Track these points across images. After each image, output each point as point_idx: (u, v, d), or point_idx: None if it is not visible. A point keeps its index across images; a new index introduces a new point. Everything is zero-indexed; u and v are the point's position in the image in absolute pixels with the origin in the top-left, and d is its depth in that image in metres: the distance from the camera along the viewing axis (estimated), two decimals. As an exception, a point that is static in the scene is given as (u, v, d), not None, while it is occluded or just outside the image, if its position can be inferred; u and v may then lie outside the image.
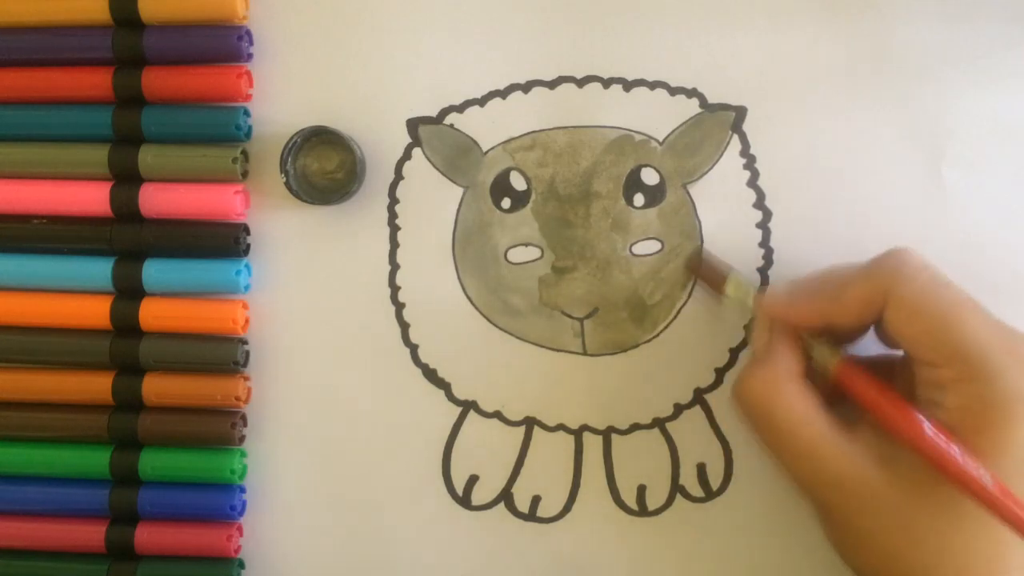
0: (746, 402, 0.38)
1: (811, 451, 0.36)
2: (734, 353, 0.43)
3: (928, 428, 0.34)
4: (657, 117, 0.43)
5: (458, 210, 0.43)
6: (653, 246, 0.43)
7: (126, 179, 0.43)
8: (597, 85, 0.43)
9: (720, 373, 0.43)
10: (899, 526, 0.34)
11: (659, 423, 0.43)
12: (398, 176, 0.43)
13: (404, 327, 0.44)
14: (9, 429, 0.43)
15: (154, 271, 0.43)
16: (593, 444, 0.43)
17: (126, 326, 0.43)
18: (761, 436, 0.38)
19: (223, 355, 0.43)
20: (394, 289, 0.44)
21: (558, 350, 0.43)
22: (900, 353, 0.39)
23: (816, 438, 0.36)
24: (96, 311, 0.43)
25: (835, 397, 0.38)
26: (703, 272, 0.42)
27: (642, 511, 0.43)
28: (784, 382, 0.37)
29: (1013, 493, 0.32)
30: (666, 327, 0.43)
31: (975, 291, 0.42)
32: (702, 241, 0.43)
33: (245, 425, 0.44)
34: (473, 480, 0.44)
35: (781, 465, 0.37)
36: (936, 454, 0.33)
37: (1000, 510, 0.32)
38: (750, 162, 0.43)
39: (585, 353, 0.43)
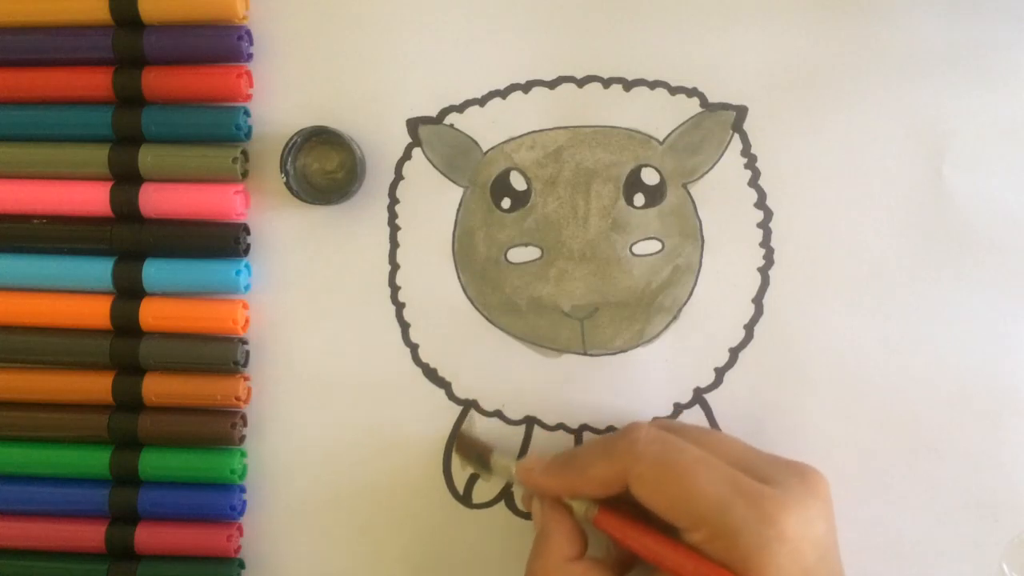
0: None
1: None
2: (734, 353, 0.43)
3: (686, 554, 0.36)
4: (657, 117, 0.43)
5: (458, 210, 0.43)
6: (653, 246, 0.43)
7: (126, 179, 0.43)
8: (597, 85, 0.43)
9: (720, 373, 0.43)
10: None
11: (659, 423, 0.43)
12: (398, 176, 0.43)
13: (404, 327, 0.44)
14: (9, 429, 0.43)
15: (154, 271, 0.43)
16: (593, 444, 0.43)
17: (126, 326, 0.43)
18: None
19: (223, 355, 0.43)
20: (394, 289, 0.44)
21: (558, 350, 0.43)
22: None
23: None
24: (96, 311, 0.43)
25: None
26: (469, 452, 0.43)
27: (642, 511, 0.43)
28: (563, 566, 0.38)
29: None
30: (666, 327, 0.43)
31: (975, 292, 0.42)
32: (703, 241, 0.43)
33: (245, 425, 0.44)
34: (473, 479, 0.44)
35: None
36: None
37: None
38: (751, 162, 0.43)
39: (585, 353, 0.43)
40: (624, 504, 0.38)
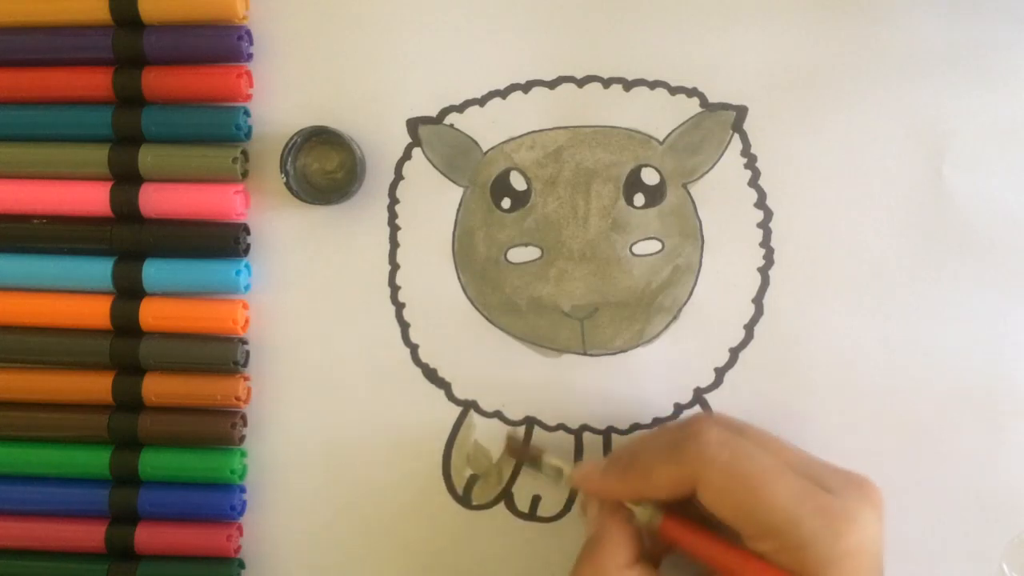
0: None
1: None
2: (734, 353, 0.43)
3: (758, 565, 0.35)
4: (657, 117, 0.43)
5: (458, 210, 0.43)
6: (653, 246, 0.43)
7: (126, 179, 0.43)
8: (597, 85, 0.43)
9: (720, 373, 0.43)
10: None
11: (659, 423, 0.43)
12: (398, 176, 0.43)
13: (404, 327, 0.44)
14: (9, 429, 0.43)
15: (154, 271, 0.43)
16: (593, 444, 0.43)
17: (126, 326, 0.43)
18: None
19: (223, 355, 0.43)
20: (394, 289, 0.44)
21: (558, 350, 0.43)
22: None
23: None
24: (96, 311, 0.43)
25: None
26: (521, 454, 0.42)
27: (642, 511, 0.43)
28: (615, 573, 0.37)
29: None
30: (666, 327, 0.43)
31: (975, 292, 0.42)
32: (703, 241, 0.43)
33: (245, 425, 0.44)
34: (473, 480, 0.44)
35: None
36: None
37: None
38: (751, 161, 0.43)
39: (585, 353, 0.43)
40: (682, 509, 0.37)
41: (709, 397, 0.43)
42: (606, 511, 0.39)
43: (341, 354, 0.44)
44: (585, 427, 0.43)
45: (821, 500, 0.35)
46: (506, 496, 0.44)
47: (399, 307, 0.44)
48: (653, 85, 0.43)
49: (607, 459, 0.40)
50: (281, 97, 0.43)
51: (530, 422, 0.43)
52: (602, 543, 0.38)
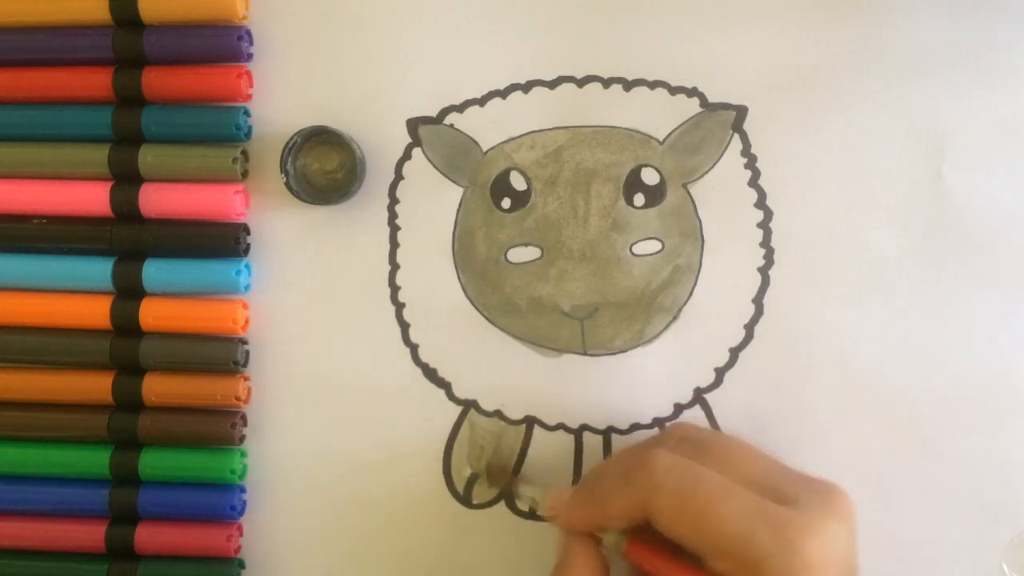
0: None
1: None
2: (734, 353, 0.43)
3: None
4: (657, 117, 0.43)
5: (458, 210, 0.43)
6: (653, 246, 0.43)
7: (126, 179, 0.43)
8: (597, 85, 0.43)
9: (720, 373, 0.43)
10: None
11: (659, 423, 0.43)
12: (398, 176, 0.44)
13: (404, 327, 0.44)
14: (9, 429, 0.43)
15: (154, 271, 0.43)
16: (593, 444, 0.43)
17: (126, 326, 0.43)
18: None
19: (223, 355, 0.43)
20: (394, 289, 0.44)
21: (558, 350, 0.43)
22: None
23: None
24: (96, 311, 0.43)
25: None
26: (500, 482, 0.43)
27: (642, 511, 0.43)
28: None
29: None
30: (666, 327, 0.43)
31: (975, 292, 0.42)
32: (703, 241, 0.43)
33: (245, 425, 0.44)
34: (473, 479, 0.44)
35: None
36: None
37: None
38: (751, 161, 0.43)
39: (585, 353, 0.43)
40: (653, 531, 0.37)
41: (709, 397, 0.43)
42: (573, 536, 0.39)
43: (341, 354, 0.44)
44: (585, 427, 0.43)
45: (774, 515, 0.35)
46: (506, 496, 0.44)
47: (399, 307, 0.44)
48: (653, 85, 0.43)
49: (574, 489, 0.39)
50: (281, 97, 0.43)
51: (530, 422, 0.43)
52: (568, 569, 0.38)
